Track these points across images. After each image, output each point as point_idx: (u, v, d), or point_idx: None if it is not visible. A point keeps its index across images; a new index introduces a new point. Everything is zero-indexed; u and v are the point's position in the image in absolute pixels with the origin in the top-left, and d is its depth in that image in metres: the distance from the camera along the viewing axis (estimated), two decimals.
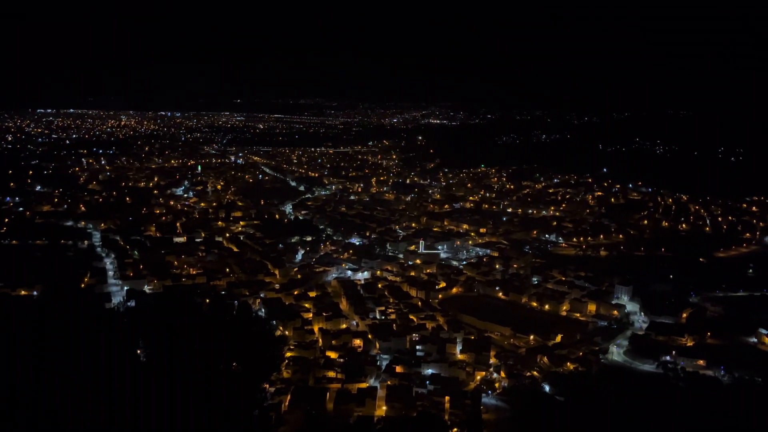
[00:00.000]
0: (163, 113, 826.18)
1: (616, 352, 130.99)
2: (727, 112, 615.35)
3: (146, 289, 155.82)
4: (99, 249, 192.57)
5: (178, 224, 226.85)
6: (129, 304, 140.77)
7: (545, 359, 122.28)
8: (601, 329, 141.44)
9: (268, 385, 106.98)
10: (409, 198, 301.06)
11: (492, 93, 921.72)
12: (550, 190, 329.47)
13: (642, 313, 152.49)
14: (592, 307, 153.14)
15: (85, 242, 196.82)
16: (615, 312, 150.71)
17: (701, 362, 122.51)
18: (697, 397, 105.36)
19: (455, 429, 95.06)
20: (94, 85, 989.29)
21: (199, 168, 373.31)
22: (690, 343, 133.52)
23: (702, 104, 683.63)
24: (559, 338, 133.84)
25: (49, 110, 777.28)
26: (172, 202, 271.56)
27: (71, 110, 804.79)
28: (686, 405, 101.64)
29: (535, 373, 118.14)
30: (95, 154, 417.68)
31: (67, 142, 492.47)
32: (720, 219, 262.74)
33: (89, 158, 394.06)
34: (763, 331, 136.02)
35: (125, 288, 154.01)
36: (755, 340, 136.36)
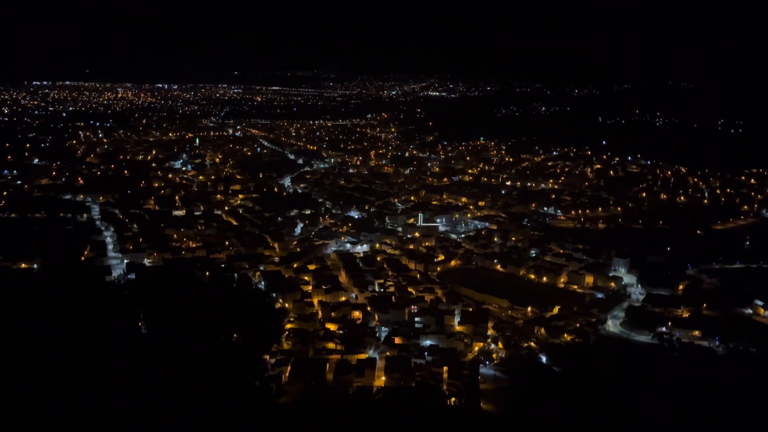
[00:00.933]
0: (160, 85, 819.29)
1: (612, 324, 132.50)
2: (728, 84, 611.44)
3: (146, 262, 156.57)
4: (98, 222, 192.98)
5: (176, 198, 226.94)
6: (129, 277, 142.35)
7: (542, 331, 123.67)
8: (598, 301, 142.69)
9: (268, 357, 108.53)
10: (407, 171, 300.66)
11: (492, 65, 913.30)
12: (549, 163, 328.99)
13: (639, 285, 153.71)
14: (589, 280, 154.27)
15: (84, 215, 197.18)
16: (612, 284, 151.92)
17: (696, 333, 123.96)
18: (691, 368, 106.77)
19: (453, 399, 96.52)
20: (90, 56, 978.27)
21: (197, 141, 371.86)
22: (686, 315, 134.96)
23: (703, 76, 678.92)
24: (556, 310, 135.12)
25: (44, 82, 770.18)
26: (170, 176, 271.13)
27: (67, 82, 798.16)
28: (681, 375, 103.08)
29: (532, 344, 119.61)
30: (92, 126, 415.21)
31: (64, 114, 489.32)
32: (718, 191, 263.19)
33: (86, 131, 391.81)
34: (759, 302, 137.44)
35: (125, 261, 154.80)
36: (750, 311, 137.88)
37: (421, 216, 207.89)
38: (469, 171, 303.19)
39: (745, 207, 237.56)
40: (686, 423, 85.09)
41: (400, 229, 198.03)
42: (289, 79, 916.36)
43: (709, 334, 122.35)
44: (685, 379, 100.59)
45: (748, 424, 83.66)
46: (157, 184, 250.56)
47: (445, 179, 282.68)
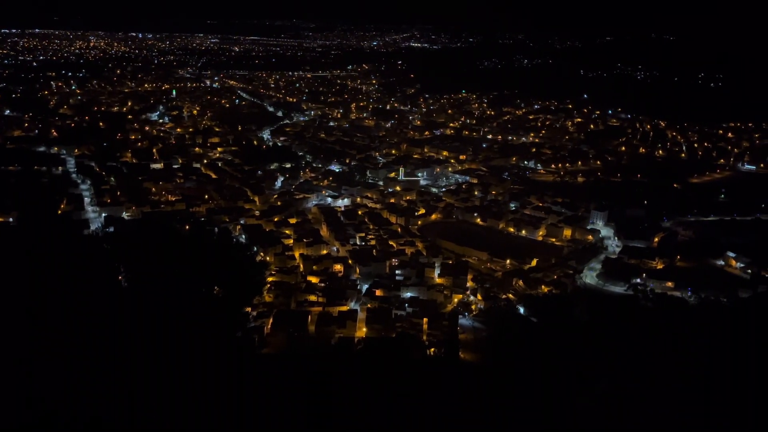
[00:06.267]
0: (134, 34, 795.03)
1: (589, 275, 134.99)
2: (711, 37, 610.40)
3: (125, 215, 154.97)
4: (74, 175, 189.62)
5: (154, 150, 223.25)
6: (108, 230, 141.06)
7: (521, 282, 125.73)
8: (575, 253, 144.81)
9: (250, 309, 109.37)
10: (389, 124, 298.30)
11: (474, 15, 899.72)
12: (531, 117, 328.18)
13: (616, 238, 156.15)
14: (567, 232, 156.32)
15: (60, 168, 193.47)
16: (590, 237, 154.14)
17: (670, 284, 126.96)
18: (663, 317, 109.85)
19: (433, 349, 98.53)
20: (60, 2, 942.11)
21: (174, 92, 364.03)
22: (660, 266, 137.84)
23: (687, 28, 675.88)
24: (534, 262, 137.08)
25: (13, 30, 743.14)
26: (147, 128, 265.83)
27: (36, 30, 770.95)
28: (653, 324, 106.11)
29: (510, 295, 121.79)
30: (64, 76, 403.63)
31: (34, 64, 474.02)
32: (696, 145, 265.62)
33: (58, 81, 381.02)
34: (731, 254, 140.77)
35: (103, 215, 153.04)
36: (722, 262, 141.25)
37: (402, 170, 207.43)
38: (451, 124, 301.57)
39: (722, 160, 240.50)
40: (657, 370, 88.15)
41: (381, 183, 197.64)
42: (267, 29, 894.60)
43: (681, 285, 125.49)
44: (656, 328, 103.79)
45: (716, 370, 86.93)
46: (133, 137, 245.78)
47: (426, 133, 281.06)
